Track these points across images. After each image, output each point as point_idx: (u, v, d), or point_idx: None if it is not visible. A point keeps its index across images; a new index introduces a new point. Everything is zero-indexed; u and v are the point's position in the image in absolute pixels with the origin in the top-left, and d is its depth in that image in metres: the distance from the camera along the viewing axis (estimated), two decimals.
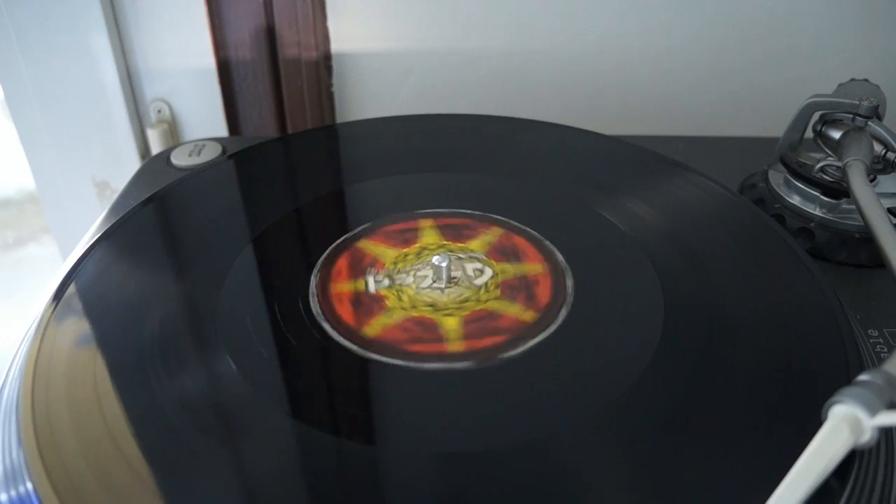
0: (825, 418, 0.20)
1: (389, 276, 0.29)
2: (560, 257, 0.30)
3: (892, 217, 0.29)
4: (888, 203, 0.33)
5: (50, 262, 0.72)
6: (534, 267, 0.30)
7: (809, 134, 0.37)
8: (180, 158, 0.43)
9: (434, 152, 0.39)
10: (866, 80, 0.35)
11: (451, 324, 0.27)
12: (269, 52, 0.53)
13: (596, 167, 0.37)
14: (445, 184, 0.36)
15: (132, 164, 0.56)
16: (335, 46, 0.54)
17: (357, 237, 0.32)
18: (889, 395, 0.20)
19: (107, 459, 0.21)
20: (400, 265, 0.30)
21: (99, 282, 0.29)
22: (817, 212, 0.35)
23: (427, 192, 0.35)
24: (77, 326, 0.26)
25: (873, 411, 0.19)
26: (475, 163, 0.38)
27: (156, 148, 0.55)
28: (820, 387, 0.23)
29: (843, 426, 0.19)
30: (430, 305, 0.28)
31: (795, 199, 0.36)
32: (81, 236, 0.37)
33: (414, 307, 0.28)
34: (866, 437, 0.19)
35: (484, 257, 0.30)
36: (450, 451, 0.22)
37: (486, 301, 0.28)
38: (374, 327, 0.27)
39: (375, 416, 0.24)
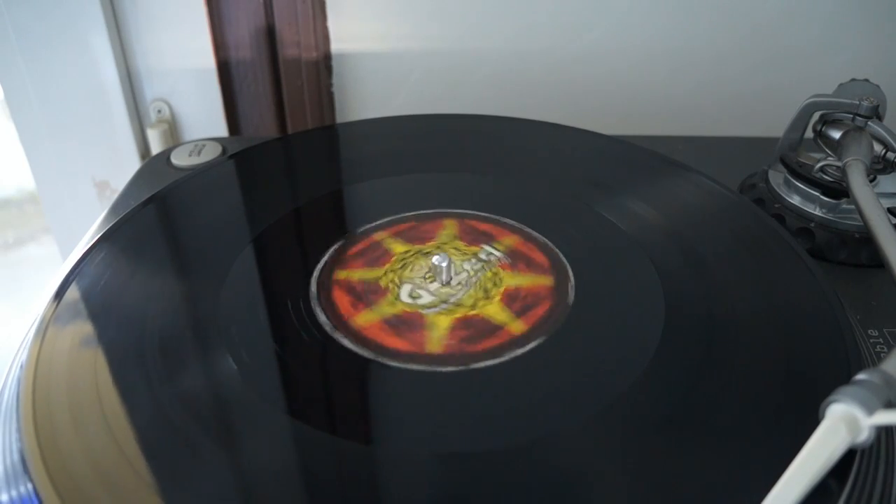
0: (823, 417, 0.20)
1: (425, 288, 0.29)
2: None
3: (891, 217, 0.29)
4: (888, 203, 0.33)
5: (50, 262, 0.72)
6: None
7: (809, 134, 0.37)
8: (180, 158, 0.43)
9: (434, 152, 0.39)
10: (866, 80, 0.35)
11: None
12: (269, 52, 0.53)
13: (596, 167, 0.37)
14: (445, 184, 0.36)
15: (132, 164, 0.56)
16: (335, 46, 0.54)
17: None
18: (887, 395, 0.20)
19: (107, 459, 0.21)
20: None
21: (99, 282, 0.29)
22: (817, 212, 0.35)
23: (426, 193, 0.35)
24: (77, 327, 0.26)
25: (870, 410, 0.19)
26: (475, 163, 0.38)
27: (156, 148, 0.55)
28: (820, 387, 0.23)
29: (841, 425, 0.19)
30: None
31: (795, 199, 0.36)
32: (81, 236, 0.37)
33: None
34: (863, 436, 0.19)
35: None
36: (449, 451, 0.22)
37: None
38: (395, 335, 0.27)
39: (375, 415, 0.24)
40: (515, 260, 0.30)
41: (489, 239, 0.31)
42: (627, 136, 0.40)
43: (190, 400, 0.23)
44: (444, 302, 0.28)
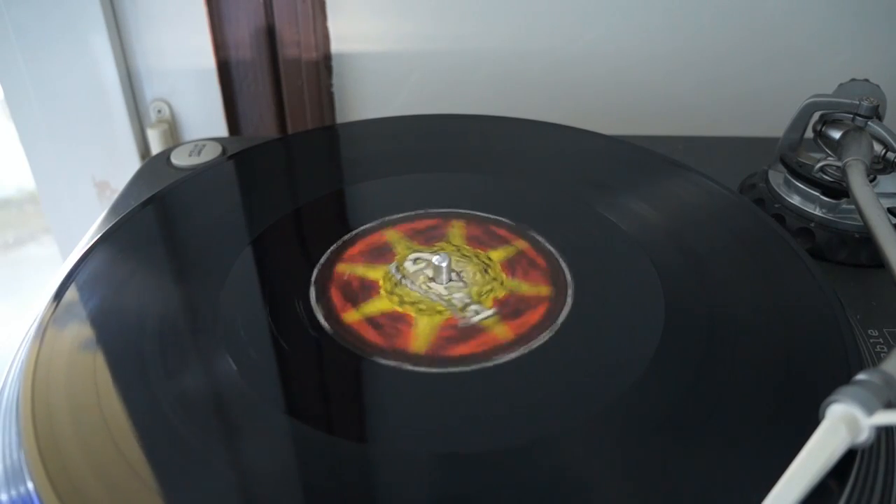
0: (823, 417, 0.20)
1: (403, 274, 0.29)
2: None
3: (891, 217, 0.29)
4: (888, 203, 0.33)
5: (50, 262, 0.72)
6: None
7: (809, 134, 0.37)
8: (180, 158, 0.43)
9: (434, 152, 0.39)
10: (866, 80, 0.35)
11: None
12: (269, 52, 0.53)
13: (596, 167, 0.37)
14: (445, 184, 0.36)
15: (132, 164, 0.56)
16: (335, 46, 0.54)
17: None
18: (887, 395, 0.20)
19: (107, 459, 0.21)
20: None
21: (99, 282, 0.29)
22: (817, 212, 0.35)
23: (427, 193, 0.35)
24: (77, 327, 0.26)
25: (870, 411, 0.19)
26: (475, 163, 0.38)
27: (156, 148, 0.55)
28: (820, 387, 0.23)
29: (841, 425, 0.19)
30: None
31: (795, 199, 0.36)
32: (81, 236, 0.37)
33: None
34: (863, 436, 0.19)
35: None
36: (449, 452, 0.22)
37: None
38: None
39: (374, 416, 0.24)
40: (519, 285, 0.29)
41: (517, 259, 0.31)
42: (627, 136, 0.40)
43: (189, 400, 0.23)
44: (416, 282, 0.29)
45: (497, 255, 0.31)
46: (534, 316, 0.27)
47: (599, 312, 0.27)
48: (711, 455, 0.21)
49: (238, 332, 0.26)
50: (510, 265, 0.30)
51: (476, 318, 0.27)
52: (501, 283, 0.29)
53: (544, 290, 0.28)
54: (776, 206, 0.36)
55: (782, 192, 0.36)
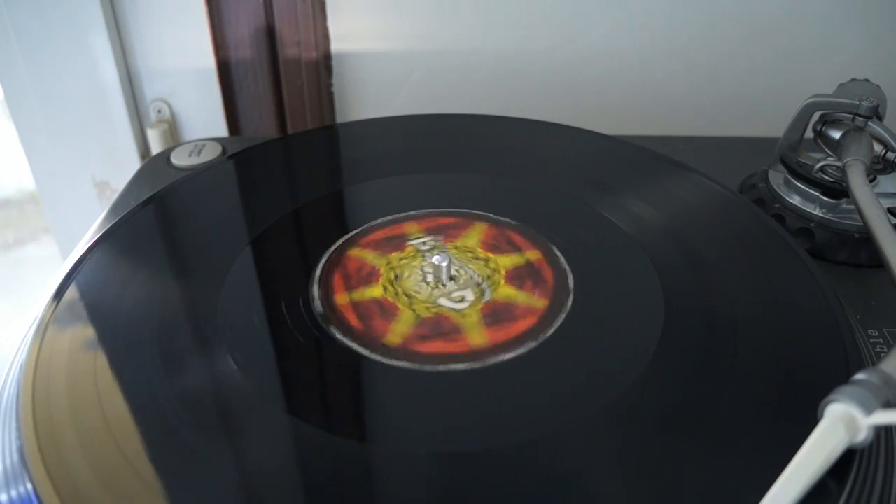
0: (821, 417, 0.20)
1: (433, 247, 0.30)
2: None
3: (891, 217, 0.29)
4: (888, 203, 0.33)
5: (50, 262, 0.72)
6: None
7: (809, 134, 0.37)
8: (180, 158, 0.43)
9: (434, 152, 0.39)
10: (867, 80, 0.35)
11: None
12: (269, 52, 0.53)
13: (596, 167, 0.37)
14: (445, 184, 0.36)
15: (132, 164, 0.56)
16: (335, 46, 0.54)
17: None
18: (885, 394, 0.20)
19: (107, 459, 0.21)
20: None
21: (99, 282, 0.29)
22: (817, 212, 0.35)
23: (426, 193, 0.35)
24: (77, 327, 0.26)
25: (869, 410, 0.19)
26: (475, 163, 0.38)
27: (156, 148, 0.55)
28: (820, 387, 0.23)
29: (839, 425, 0.19)
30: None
31: (795, 199, 0.36)
32: (81, 236, 0.37)
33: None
34: (862, 435, 0.19)
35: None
36: (448, 451, 0.22)
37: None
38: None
39: (375, 415, 0.24)
40: (522, 281, 0.30)
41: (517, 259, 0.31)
42: (627, 136, 0.40)
43: (189, 399, 0.23)
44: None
45: (504, 261, 0.31)
46: (530, 319, 0.27)
47: (599, 312, 0.27)
48: (710, 454, 0.21)
49: (238, 332, 0.26)
50: (516, 275, 0.30)
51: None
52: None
53: (541, 302, 0.28)
54: (776, 206, 0.36)
55: (782, 192, 0.36)
